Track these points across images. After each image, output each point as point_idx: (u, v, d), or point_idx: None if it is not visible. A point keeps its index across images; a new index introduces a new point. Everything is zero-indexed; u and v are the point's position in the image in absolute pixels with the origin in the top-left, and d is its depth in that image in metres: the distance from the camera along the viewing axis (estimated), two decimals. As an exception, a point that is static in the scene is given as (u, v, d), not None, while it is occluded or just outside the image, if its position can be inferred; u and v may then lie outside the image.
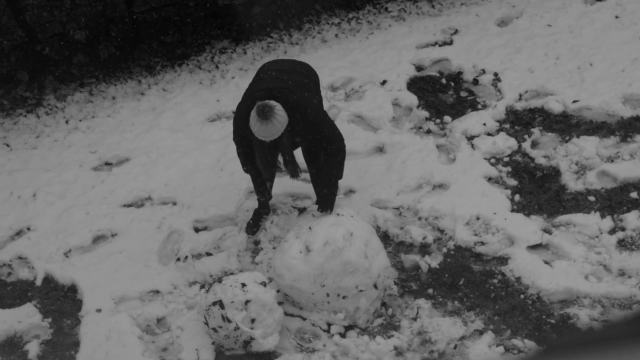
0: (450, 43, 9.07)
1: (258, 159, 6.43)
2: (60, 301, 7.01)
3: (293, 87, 6.35)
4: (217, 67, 8.95)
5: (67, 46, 8.74)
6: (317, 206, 6.86)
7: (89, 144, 8.21)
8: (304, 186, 7.58)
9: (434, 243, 7.21)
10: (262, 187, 6.93)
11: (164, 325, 6.76)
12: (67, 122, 8.42)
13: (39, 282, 7.13)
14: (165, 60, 9.03)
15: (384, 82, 8.62)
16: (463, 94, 8.55)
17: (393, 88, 8.56)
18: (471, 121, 8.17)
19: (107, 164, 8.07)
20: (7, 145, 8.26)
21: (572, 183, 7.58)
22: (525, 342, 6.40)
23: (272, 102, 6.08)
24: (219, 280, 6.56)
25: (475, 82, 8.63)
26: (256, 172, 6.75)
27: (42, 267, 7.20)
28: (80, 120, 8.44)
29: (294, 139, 6.36)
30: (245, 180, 7.55)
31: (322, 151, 6.62)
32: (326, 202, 6.69)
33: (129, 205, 7.65)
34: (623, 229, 7.20)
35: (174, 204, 7.61)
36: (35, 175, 7.92)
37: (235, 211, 7.46)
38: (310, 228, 6.62)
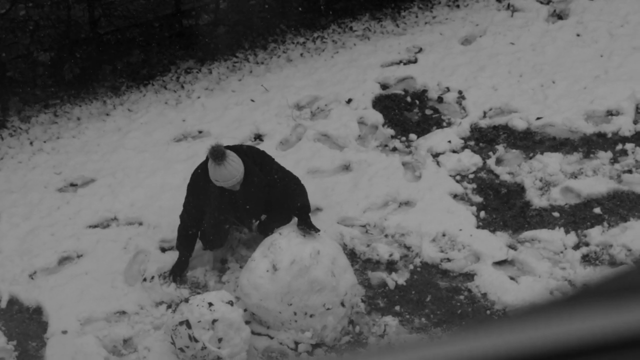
0: (415, 61, 9.13)
1: (211, 219, 6.84)
2: (26, 323, 6.95)
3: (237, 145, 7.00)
4: (182, 87, 8.94)
5: (31, 67, 8.70)
6: (297, 226, 6.83)
7: (54, 165, 8.16)
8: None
9: (400, 260, 7.24)
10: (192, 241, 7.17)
11: (130, 346, 6.72)
12: (31, 143, 8.37)
13: (3, 305, 7.05)
14: (131, 81, 9.00)
15: (349, 101, 8.65)
16: (428, 111, 8.60)
17: (358, 106, 8.60)
18: (436, 139, 8.22)
19: (72, 185, 8.02)
20: (-29, 167, 8.20)
21: (536, 199, 7.65)
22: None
23: (221, 144, 6.60)
24: (186, 299, 6.54)
25: (440, 100, 8.68)
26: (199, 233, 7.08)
27: (6, 289, 7.13)
28: (44, 142, 8.38)
29: (250, 189, 6.75)
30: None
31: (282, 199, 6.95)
32: (306, 222, 6.75)
33: (95, 226, 7.61)
34: (587, 245, 7.27)
35: (140, 224, 7.58)
36: (0, 197, 7.86)
37: (201, 231, 7.44)
38: (277, 246, 6.62)
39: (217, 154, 6.46)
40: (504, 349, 1.44)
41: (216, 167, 6.50)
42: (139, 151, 8.25)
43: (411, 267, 7.19)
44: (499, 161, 8.03)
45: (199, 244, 7.18)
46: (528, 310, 1.54)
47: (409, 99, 8.75)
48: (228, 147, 6.66)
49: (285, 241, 6.66)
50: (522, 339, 1.44)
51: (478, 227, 7.44)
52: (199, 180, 6.75)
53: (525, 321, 1.48)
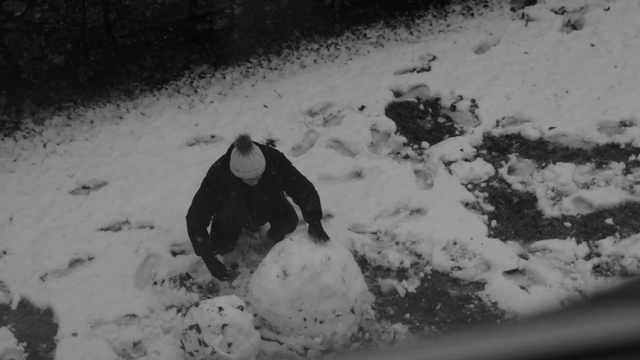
0: (428, 69, 9.13)
1: (229, 212, 6.81)
2: (36, 325, 6.96)
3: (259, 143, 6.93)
4: (196, 91, 8.96)
5: (46, 70, 8.73)
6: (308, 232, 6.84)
7: (67, 168, 8.18)
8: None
9: (411, 268, 7.23)
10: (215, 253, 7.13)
11: (140, 349, 6.73)
12: (44, 145, 8.40)
13: (14, 306, 7.08)
14: (144, 85, 9.03)
15: (362, 108, 8.66)
16: (441, 120, 8.60)
17: (371, 114, 8.60)
18: (449, 147, 8.22)
19: (84, 187, 8.04)
20: (-16, 169, 8.23)
21: (548, 209, 7.63)
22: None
23: (247, 134, 6.58)
24: (196, 304, 6.55)
25: (453, 108, 8.68)
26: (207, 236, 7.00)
27: (17, 290, 7.15)
28: (58, 144, 8.41)
29: (266, 187, 6.74)
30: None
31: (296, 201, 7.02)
32: (317, 229, 6.76)
33: (106, 229, 7.63)
34: (598, 255, 7.25)
35: (152, 227, 7.60)
36: (12, 199, 7.88)
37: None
38: (288, 252, 6.63)
39: (245, 143, 6.47)
40: (507, 350, 1.45)
41: (240, 157, 6.50)
42: (151, 155, 8.27)
43: (422, 275, 7.18)
44: (511, 170, 8.02)
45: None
46: (536, 315, 1.54)
47: (422, 106, 8.75)
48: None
49: (296, 247, 6.66)
50: (526, 341, 1.45)
51: (489, 236, 7.43)
52: (217, 173, 6.72)
53: (532, 325, 1.48)
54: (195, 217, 6.87)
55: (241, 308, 6.49)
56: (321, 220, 6.86)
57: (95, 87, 8.88)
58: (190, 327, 6.39)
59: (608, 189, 7.73)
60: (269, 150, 6.85)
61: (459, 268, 7.17)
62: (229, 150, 6.70)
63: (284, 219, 7.09)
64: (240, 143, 6.48)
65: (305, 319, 6.58)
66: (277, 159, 6.81)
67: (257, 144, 6.73)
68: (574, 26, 9.59)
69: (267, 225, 7.31)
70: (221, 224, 7.00)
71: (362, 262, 7.25)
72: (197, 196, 6.87)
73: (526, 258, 7.24)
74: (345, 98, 8.77)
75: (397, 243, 7.41)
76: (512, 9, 9.76)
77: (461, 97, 8.75)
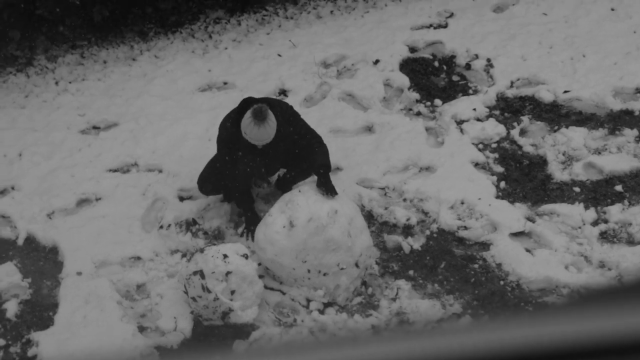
0: (445, 26, 9.05)
1: (241, 170, 6.79)
2: (41, 262, 7.00)
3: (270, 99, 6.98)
4: (210, 37, 8.91)
5: (61, 7, 8.67)
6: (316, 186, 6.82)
7: (78, 107, 8.17)
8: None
9: (417, 225, 7.23)
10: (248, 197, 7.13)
11: (143, 291, 6.77)
12: (57, 83, 8.38)
13: (20, 242, 7.11)
14: (159, 27, 8.97)
15: (376, 62, 8.60)
16: (455, 78, 8.54)
17: (385, 68, 8.55)
18: (461, 106, 8.17)
19: (95, 127, 8.03)
20: (-5, 104, 8.22)
21: (558, 173, 7.61)
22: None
23: (265, 105, 6.53)
24: (201, 250, 6.57)
25: (468, 66, 8.62)
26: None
27: (24, 227, 7.17)
28: (70, 82, 8.39)
29: (277, 145, 6.70)
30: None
31: (305, 155, 6.95)
32: (326, 182, 6.73)
33: (115, 170, 7.63)
34: (606, 222, 7.24)
35: (160, 171, 7.59)
36: (22, 135, 7.88)
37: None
38: (295, 203, 6.63)
39: (260, 116, 6.45)
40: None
41: (255, 127, 6.48)
42: (163, 98, 8.24)
43: (427, 232, 7.19)
44: (523, 132, 7.98)
45: (211, 198, 7.21)
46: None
47: (436, 63, 8.69)
48: (261, 100, 6.65)
49: (304, 198, 6.66)
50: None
51: (497, 197, 7.42)
52: (231, 134, 6.69)
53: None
54: (231, 180, 6.90)
55: (246, 256, 6.51)
56: (330, 174, 6.84)
57: (110, 27, 8.83)
58: (195, 273, 6.42)
59: (619, 156, 7.70)
60: (278, 105, 6.79)
61: (465, 228, 7.17)
62: (241, 106, 6.66)
63: (297, 167, 7.05)
64: (256, 114, 6.45)
65: (309, 271, 6.60)
66: (286, 114, 6.77)
67: (265, 100, 6.67)
68: (594, -11, 9.48)
69: (275, 176, 7.30)
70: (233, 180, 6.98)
71: (369, 217, 7.26)
72: (222, 161, 6.87)
73: (533, 221, 7.23)
74: (360, 51, 8.71)
75: (404, 200, 7.41)
76: (533, -31, 9.65)
77: (477, 56, 8.68)
